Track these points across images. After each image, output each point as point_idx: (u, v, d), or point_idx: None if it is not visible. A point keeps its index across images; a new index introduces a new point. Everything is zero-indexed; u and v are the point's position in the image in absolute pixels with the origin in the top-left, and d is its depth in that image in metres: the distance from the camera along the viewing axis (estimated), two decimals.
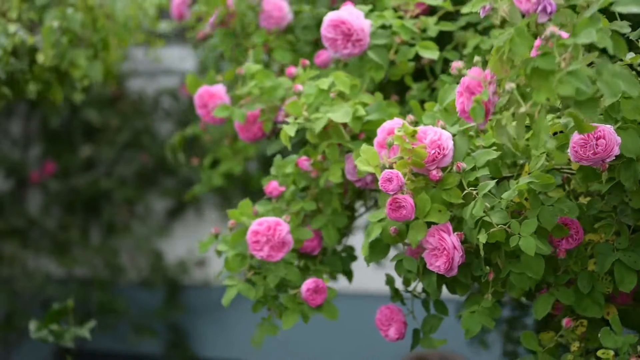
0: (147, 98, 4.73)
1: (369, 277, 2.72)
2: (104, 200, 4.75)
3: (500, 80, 1.41)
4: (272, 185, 1.95)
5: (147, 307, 4.62)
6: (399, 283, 1.87)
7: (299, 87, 1.91)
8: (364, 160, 1.66)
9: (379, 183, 1.59)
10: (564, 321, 1.65)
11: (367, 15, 1.99)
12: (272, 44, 2.19)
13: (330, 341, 4.33)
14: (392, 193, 1.59)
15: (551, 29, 1.33)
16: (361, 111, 1.86)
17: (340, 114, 1.82)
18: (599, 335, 1.61)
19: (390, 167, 1.63)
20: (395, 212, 1.61)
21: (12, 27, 2.48)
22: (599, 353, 1.59)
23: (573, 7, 1.43)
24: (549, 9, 1.36)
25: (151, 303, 4.65)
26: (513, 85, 1.37)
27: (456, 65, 1.56)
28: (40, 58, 2.50)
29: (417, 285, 1.84)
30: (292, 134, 1.82)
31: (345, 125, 1.90)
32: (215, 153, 2.71)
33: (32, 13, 2.59)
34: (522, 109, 1.37)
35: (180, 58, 4.26)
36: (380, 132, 1.71)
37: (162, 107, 4.75)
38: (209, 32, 2.33)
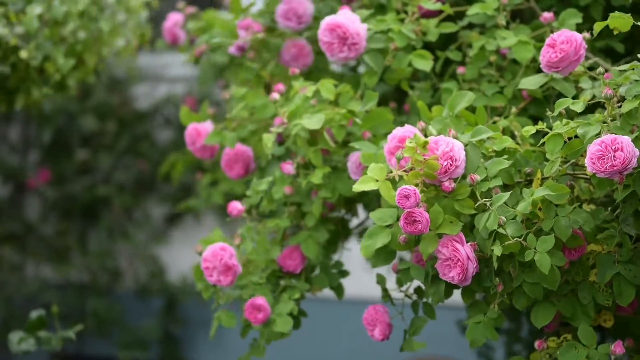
0: (147, 105, 4.71)
1: (372, 283, 2.70)
2: (101, 207, 4.73)
3: None
4: (232, 206, 1.98)
5: (143, 314, 4.60)
6: (391, 283, 1.87)
7: (275, 95, 1.93)
8: (367, 179, 1.64)
9: (396, 199, 1.56)
10: (537, 343, 1.66)
11: (367, 19, 1.99)
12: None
13: (327, 348, 4.31)
14: (409, 209, 1.57)
15: None
16: (343, 120, 1.87)
17: (313, 121, 1.82)
18: (558, 351, 1.61)
19: (401, 178, 1.61)
20: (411, 226, 1.59)
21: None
22: None
23: None
24: None
25: (148, 310, 4.63)
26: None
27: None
28: (24, 54, 2.45)
29: (410, 287, 1.84)
30: (270, 143, 1.85)
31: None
32: (214, 174, 2.75)
33: (11, 13, 2.52)
34: None
35: (182, 64, 4.24)
36: (391, 139, 1.69)
37: (162, 113, 4.73)
38: (204, 49, 2.36)
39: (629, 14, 1.61)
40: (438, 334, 2.85)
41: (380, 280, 1.87)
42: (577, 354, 1.59)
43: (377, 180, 1.63)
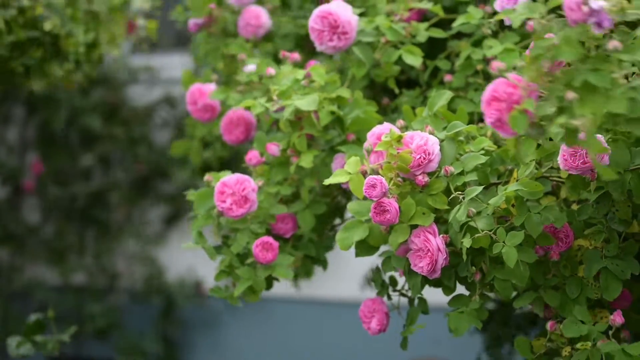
0: (145, 106, 4.74)
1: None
2: (100, 208, 4.75)
3: (545, 89, 1.35)
4: (252, 154, 1.95)
5: (141, 317, 4.61)
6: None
7: (271, 70, 1.95)
8: (340, 172, 1.66)
9: (363, 189, 1.58)
10: (549, 324, 1.65)
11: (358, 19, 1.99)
12: (248, 53, 2.21)
13: (327, 351, 4.32)
14: (376, 199, 1.59)
15: (613, 43, 1.29)
16: (331, 106, 1.88)
17: (307, 102, 1.84)
18: (561, 326, 1.61)
19: (376, 173, 1.63)
20: (380, 215, 1.61)
21: None
22: (578, 345, 1.59)
23: (629, 24, 1.38)
24: (605, 24, 1.28)
25: (146, 312, 4.64)
26: (575, 95, 1.30)
27: (497, 65, 1.48)
28: (48, 26, 2.51)
29: (405, 285, 1.85)
30: (256, 112, 1.87)
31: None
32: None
33: None
34: (575, 121, 1.30)
35: (181, 65, 4.28)
36: (370, 136, 1.71)
37: (159, 115, 4.76)
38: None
39: None
40: (435, 337, 2.87)
41: (377, 277, 1.88)
42: (579, 328, 1.60)
43: (350, 174, 1.65)
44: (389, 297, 1.87)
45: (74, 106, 4.59)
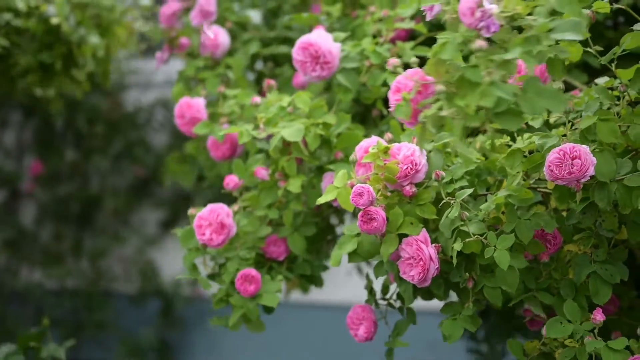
0: (141, 110, 4.74)
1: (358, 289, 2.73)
2: (97, 212, 4.76)
3: (436, 82, 1.45)
4: (229, 178, 1.99)
5: (138, 320, 4.62)
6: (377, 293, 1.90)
7: (257, 99, 1.99)
8: (331, 189, 1.68)
9: (350, 198, 1.60)
10: (544, 328, 1.65)
11: (343, 43, 2.03)
12: (203, 74, 2.29)
13: (325, 354, 4.34)
14: (363, 207, 1.61)
15: (479, 42, 1.38)
16: (317, 129, 1.90)
17: (292, 132, 1.87)
18: (545, 326, 1.63)
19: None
20: (367, 224, 1.62)
21: None
22: (567, 342, 1.61)
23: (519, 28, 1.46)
24: (492, 29, 1.39)
25: (143, 315, 4.65)
26: (442, 87, 1.40)
27: (392, 62, 1.58)
28: (54, 20, 2.52)
29: (394, 295, 1.87)
30: (243, 141, 1.91)
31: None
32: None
33: None
34: (444, 112, 1.40)
35: (176, 69, 4.27)
36: (358, 150, 1.72)
37: (156, 118, 4.76)
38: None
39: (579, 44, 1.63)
40: (430, 340, 2.89)
41: (369, 284, 1.90)
42: (562, 328, 1.61)
43: (338, 188, 1.67)
44: (377, 305, 1.88)
45: (72, 108, 4.60)
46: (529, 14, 1.39)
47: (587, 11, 1.50)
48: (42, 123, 4.73)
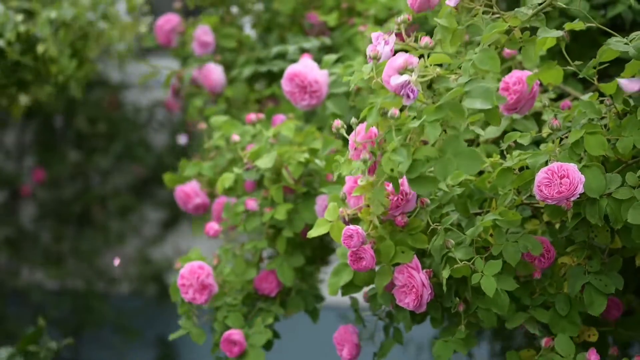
0: (142, 109, 4.74)
1: None
2: (97, 212, 4.76)
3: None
4: (209, 226, 2.02)
5: (139, 319, 4.63)
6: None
7: (236, 137, 2.02)
8: (321, 222, 1.69)
9: (342, 240, 1.60)
10: (544, 340, 1.65)
11: (334, 64, 2.05)
12: (207, 112, 2.33)
13: (324, 353, 4.33)
14: (354, 248, 1.61)
15: (392, 111, 1.47)
16: (301, 155, 1.93)
17: (265, 160, 1.90)
18: (554, 342, 1.63)
19: (354, 217, 1.65)
20: (356, 263, 1.63)
21: (18, 17, 2.49)
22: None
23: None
24: (411, 96, 1.47)
25: (143, 315, 4.66)
26: (367, 155, 1.52)
27: (336, 124, 1.62)
28: (40, 49, 2.51)
29: (384, 310, 1.88)
30: (227, 184, 1.95)
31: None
32: None
33: (33, 2, 2.59)
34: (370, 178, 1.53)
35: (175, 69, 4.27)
36: (348, 179, 1.72)
37: (156, 118, 4.76)
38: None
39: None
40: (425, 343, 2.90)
41: (354, 303, 1.91)
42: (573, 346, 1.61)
43: (330, 222, 1.68)
44: (364, 325, 1.91)
45: (71, 109, 4.61)
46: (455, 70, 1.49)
47: (560, 32, 1.53)
48: (43, 123, 4.72)
